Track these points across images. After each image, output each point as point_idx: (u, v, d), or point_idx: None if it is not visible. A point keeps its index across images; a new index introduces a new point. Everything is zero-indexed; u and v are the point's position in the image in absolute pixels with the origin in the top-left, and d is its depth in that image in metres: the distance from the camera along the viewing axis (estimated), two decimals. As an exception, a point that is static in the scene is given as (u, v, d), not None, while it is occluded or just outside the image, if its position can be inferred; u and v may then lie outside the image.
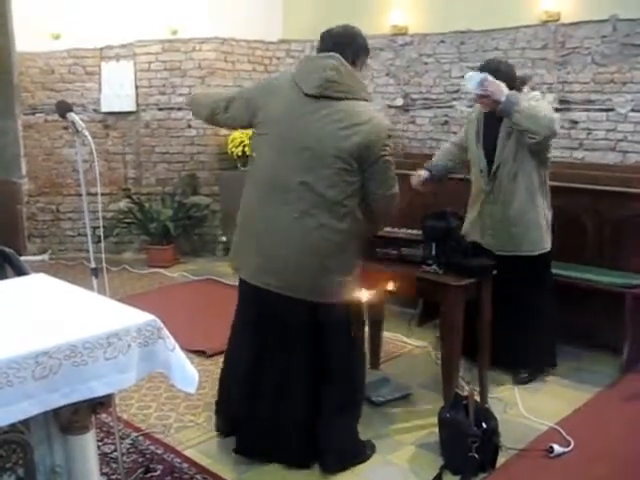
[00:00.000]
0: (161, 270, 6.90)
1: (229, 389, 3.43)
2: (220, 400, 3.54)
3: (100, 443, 3.31)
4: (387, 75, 7.00)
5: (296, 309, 3.09)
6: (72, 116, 2.72)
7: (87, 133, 2.66)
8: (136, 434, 3.53)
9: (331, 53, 3.06)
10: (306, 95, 3.03)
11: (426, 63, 6.67)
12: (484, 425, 3.16)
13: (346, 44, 3.11)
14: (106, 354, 2.04)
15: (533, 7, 5.80)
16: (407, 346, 4.81)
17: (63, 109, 2.76)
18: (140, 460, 3.29)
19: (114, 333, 2.07)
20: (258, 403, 3.24)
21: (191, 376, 2.23)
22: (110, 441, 3.38)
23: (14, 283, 2.72)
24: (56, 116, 7.51)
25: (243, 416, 3.30)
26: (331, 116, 2.99)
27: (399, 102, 6.89)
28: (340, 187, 3.00)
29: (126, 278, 6.64)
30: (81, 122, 2.70)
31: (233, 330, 3.42)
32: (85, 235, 7.05)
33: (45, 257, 7.21)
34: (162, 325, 2.16)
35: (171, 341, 2.19)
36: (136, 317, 2.18)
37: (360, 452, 3.32)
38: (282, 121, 3.07)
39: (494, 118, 3.93)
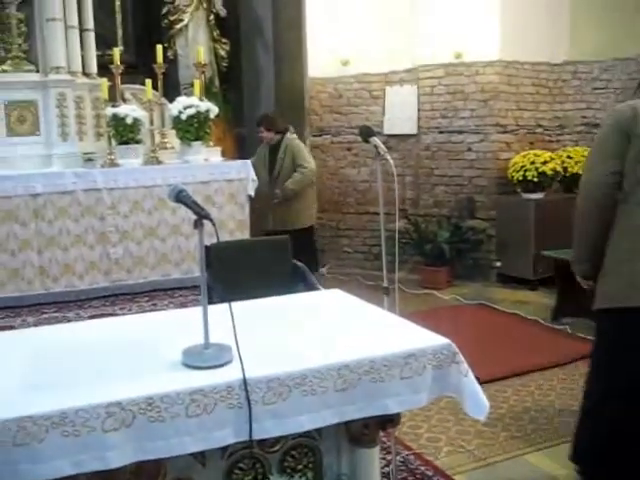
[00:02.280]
0: (434, 292, 6.94)
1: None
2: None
3: (374, 457, 3.39)
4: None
5: None
6: (375, 140, 2.84)
7: (389, 157, 2.77)
8: (407, 452, 3.57)
9: None
10: None
11: None
12: None
13: None
14: (402, 373, 2.11)
15: None
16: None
17: (366, 133, 2.90)
18: (410, 479, 3.32)
19: (411, 354, 2.13)
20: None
21: (483, 403, 2.23)
22: (381, 456, 3.45)
23: (316, 297, 2.92)
24: (341, 138, 7.91)
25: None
26: None
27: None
28: None
29: (400, 297, 6.70)
30: (383, 146, 2.82)
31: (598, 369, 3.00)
32: (361, 252, 7.37)
33: (324, 270, 7.59)
34: (457, 350, 2.18)
35: (464, 366, 2.21)
36: (432, 339, 2.24)
37: None
38: None
39: None
